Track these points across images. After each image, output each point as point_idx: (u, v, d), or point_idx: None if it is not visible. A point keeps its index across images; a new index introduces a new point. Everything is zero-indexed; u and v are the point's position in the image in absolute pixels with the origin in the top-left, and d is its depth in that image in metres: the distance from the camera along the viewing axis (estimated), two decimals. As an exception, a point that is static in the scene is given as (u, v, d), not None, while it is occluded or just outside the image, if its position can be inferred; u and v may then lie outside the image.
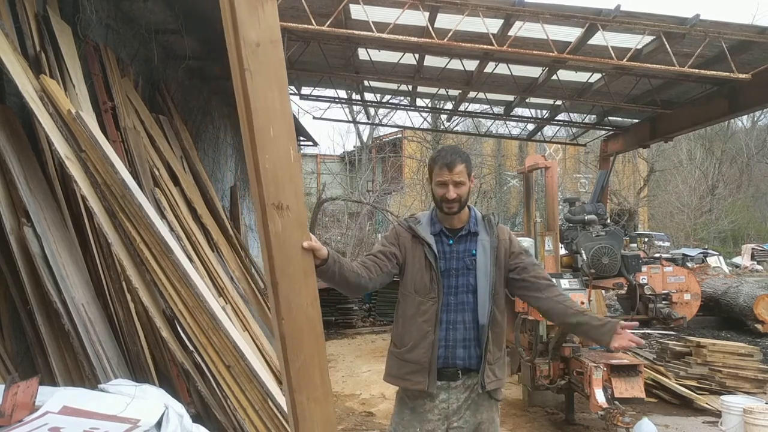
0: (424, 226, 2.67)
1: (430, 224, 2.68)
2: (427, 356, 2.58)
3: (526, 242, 6.43)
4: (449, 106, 12.43)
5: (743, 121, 29.93)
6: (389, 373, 2.71)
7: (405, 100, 12.24)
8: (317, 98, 11.87)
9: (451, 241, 2.65)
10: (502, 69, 8.52)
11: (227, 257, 7.12)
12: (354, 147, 25.57)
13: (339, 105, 15.02)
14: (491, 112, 11.89)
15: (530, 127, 13.62)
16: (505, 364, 2.82)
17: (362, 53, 8.29)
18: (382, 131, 26.15)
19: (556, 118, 11.85)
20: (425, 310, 2.60)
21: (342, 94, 11.98)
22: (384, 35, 6.23)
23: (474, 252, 2.63)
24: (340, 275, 2.37)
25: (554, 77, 8.53)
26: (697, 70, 6.79)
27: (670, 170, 28.98)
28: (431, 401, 2.62)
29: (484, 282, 2.60)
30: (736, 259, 21.65)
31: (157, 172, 5.89)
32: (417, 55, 8.21)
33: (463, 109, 11.99)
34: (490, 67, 8.43)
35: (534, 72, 8.77)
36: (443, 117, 16.45)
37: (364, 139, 24.89)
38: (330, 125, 53.08)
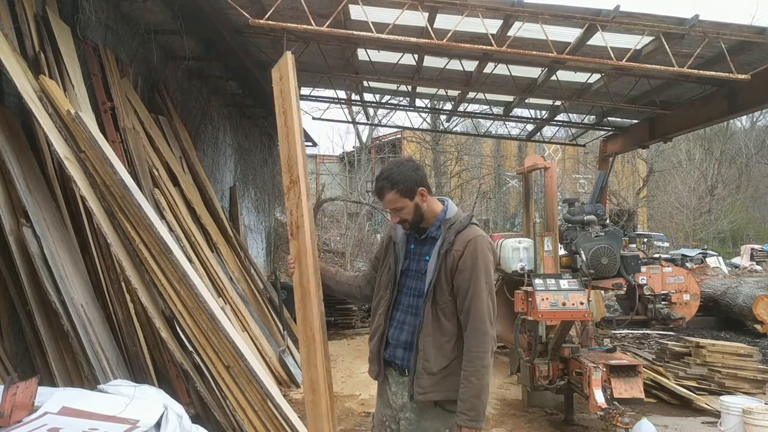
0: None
1: None
2: (377, 347, 2.69)
3: (525, 242, 6.42)
4: (448, 106, 12.40)
5: (742, 122, 29.96)
6: None
7: (404, 101, 12.22)
8: (316, 98, 11.86)
9: (413, 246, 2.70)
10: (502, 69, 8.51)
11: (226, 258, 7.12)
12: (353, 147, 25.50)
13: (338, 105, 15.02)
14: (490, 112, 11.87)
15: (529, 127, 13.60)
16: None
17: (361, 54, 8.28)
18: (382, 132, 26.14)
19: (556, 118, 11.83)
20: (382, 304, 2.71)
21: (341, 94, 11.95)
22: (383, 36, 6.22)
23: (428, 258, 2.61)
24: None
25: (553, 78, 8.52)
26: (696, 71, 6.78)
27: (669, 171, 28.99)
28: (390, 389, 2.71)
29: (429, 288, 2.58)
30: (735, 260, 21.61)
31: (156, 173, 5.89)
32: (416, 56, 8.20)
33: (462, 110, 11.96)
34: (489, 68, 8.42)
35: (533, 72, 8.77)
36: (442, 117, 16.41)
37: (364, 139, 24.85)
38: (329, 126, 53.16)
